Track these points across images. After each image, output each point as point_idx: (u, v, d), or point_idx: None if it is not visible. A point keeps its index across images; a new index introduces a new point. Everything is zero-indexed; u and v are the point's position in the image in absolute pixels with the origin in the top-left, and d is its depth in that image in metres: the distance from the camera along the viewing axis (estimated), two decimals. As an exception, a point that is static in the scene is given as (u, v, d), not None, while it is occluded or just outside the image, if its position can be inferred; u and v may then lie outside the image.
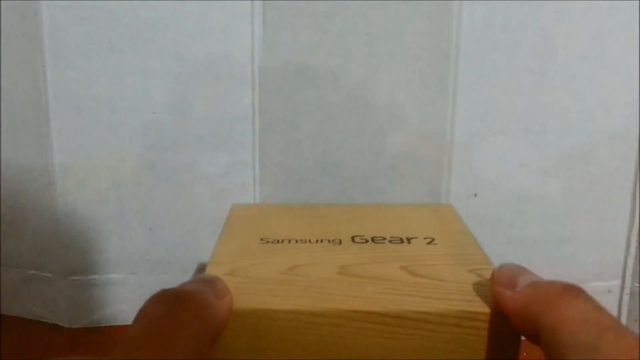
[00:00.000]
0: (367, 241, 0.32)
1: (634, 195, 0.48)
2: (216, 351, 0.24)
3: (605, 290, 0.50)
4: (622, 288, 0.50)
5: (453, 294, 0.26)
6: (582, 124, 0.47)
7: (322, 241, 0.32)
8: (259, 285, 0.27)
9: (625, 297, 0.50)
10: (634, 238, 0.49)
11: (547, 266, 0.49)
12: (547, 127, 0.47)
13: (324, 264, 0.29)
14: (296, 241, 0.32)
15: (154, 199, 0.48)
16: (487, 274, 0.27)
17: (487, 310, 0.24)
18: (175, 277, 0.50)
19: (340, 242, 0.32)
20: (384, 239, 0.33)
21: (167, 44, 0.45)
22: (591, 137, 0.47)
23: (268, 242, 0.32)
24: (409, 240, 0.32)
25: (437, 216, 0.37)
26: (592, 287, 0.50)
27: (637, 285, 0.50)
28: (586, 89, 0.46)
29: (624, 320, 0.50)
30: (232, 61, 0.45)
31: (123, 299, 0.50)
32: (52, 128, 0.46)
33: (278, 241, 0.32)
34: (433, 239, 0.32)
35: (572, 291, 0.22)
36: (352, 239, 0.33)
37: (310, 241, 0.32)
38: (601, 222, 0.49)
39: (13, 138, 0.47)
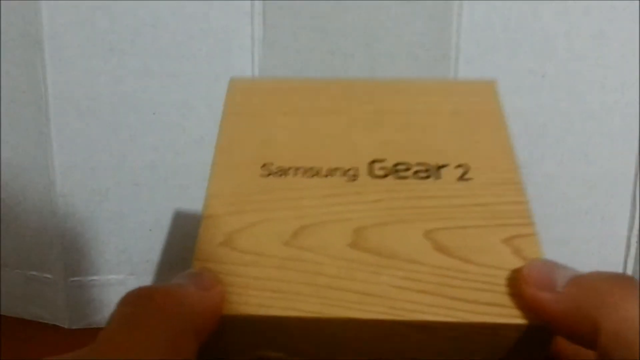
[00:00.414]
0: (387, 174, 0.26)
1: (634, 196, 0.48)
2: (210, 349, 0.22)
3: (606, 290, 0.50)
4: (623, 289, 0.50)
5: (483, 292, 0.22)
6: (582, 125, 0.47)
7: (334, 174, 0.26)
8: (256, 269, 0.23)
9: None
10: (634, 239, 0.49)
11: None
12: (547, 127, 0.47)
13: (335, 224, 0.24)
14: (303, 172, 0.26)
15: (154, 200, 0.48)
16: (525, 246, 0.23)
17: (522, 322, 0.21)
18: (175, 278, 0.50)
19: (356, 176, 0.26)
20: (408, 168, 0.26)
21: (167, 45, 0.45)
22: (591, 137, 0.47)
23: (270, 173, 0.26)
24: (437, 172, 0.26)
25: (474, 115, 0.29)
26: (593, 288, 0.50)
27: (638, 285, 0.50)
28: (586, 90, 0.46)
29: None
30: (232, 62, 0.45)
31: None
32: (52, 129, 0.46)
33: (282, 172, 0.26)
34: (467, 170, 0.26)
35: (626, 283, 0.19)
36: (371, 168, 0.26)
37: (320, 173, 0.26)
38: (601, 223, 0.49)
39: (13, 139, 0.47)
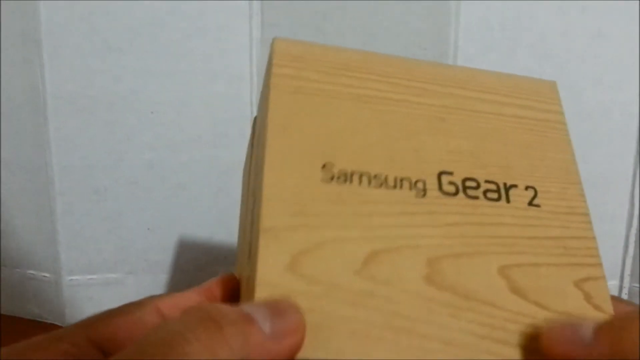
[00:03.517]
0: (457, 191, 0.24)
1: (632, 195, 0.48)
2: None
3: (604, 290, 0.50)
4: (621, 288, 0.50)
5: None
6: (580, 124, 0.47)
7: (401, 185, 0.24)
8: (329, 305, 0.21)
9: (624, 297, 0.50)
10: (632, 238, 0.49)
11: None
12: (545, 126, 0.47)
13: (409, 251, 0.22)
14: (369, 181, 0.24)
15: (152, 199, 0.48)
16: (595, 292, 0.23)
17: None
18: (173, 277, 0.50)
19: (425, 190, 0.24)
20: (478, 186, 0.25)
21: (164, 44, 0.45)
22: (589, 137, 0.47)
23: (333, 178, 0.23)
24: (507, 193, 0.25)
25: (538, 123, 0.28)
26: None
27: (636, 285, 0.50)
28: (584, 89, 0.46)
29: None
30: (230, 60, 0.45)
31: (121, 299, 0.50)
32: (50, 127, 0.46)
33: (345, 178, 0.24)
34: (535, 194, 0.25)
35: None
36: (439, 181, 0.24)
37: (387, 183, 0.24)
38: (599, 222, 0.49)
39: (11, 138, 0.47)
